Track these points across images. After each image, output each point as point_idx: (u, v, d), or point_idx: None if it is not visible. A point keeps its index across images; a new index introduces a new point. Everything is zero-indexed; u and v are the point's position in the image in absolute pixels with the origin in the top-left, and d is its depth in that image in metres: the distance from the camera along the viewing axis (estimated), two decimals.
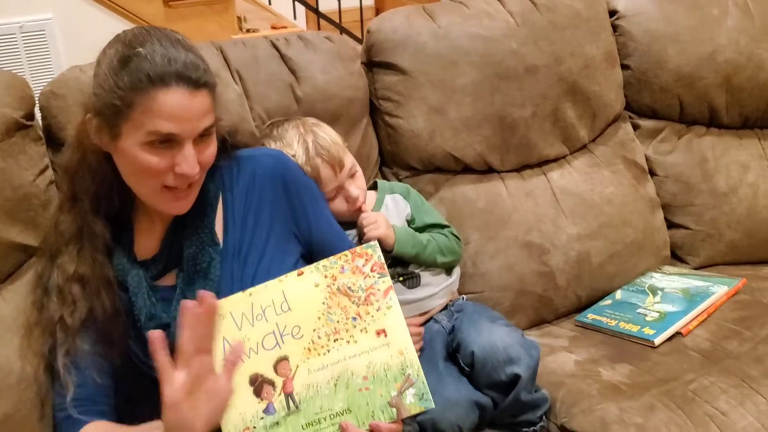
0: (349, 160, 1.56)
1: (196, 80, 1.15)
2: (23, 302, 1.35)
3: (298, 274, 1.21)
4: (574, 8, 1.88)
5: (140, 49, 1.14)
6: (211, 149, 1.23)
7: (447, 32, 1.76)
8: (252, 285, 1.25)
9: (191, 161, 1.17)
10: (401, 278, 1.58)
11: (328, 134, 1.54)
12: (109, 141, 1.19)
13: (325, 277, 1.21)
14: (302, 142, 1.50)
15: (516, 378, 1.42)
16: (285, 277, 1.21)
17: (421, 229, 1.61)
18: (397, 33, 1.74)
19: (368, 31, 1.78)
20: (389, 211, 1.62)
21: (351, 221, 1.56)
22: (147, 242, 1.29)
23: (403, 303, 1.54)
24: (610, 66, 1.93)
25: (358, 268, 1.21)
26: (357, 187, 1.56)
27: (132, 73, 1.13)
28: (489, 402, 1.43)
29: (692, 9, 1.97)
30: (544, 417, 1.48)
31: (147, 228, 1.30)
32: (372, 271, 1.21)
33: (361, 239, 1.53)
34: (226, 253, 1.29)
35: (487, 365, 1.44)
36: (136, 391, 1.24)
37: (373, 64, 1.77)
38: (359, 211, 1.57)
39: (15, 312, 1.35)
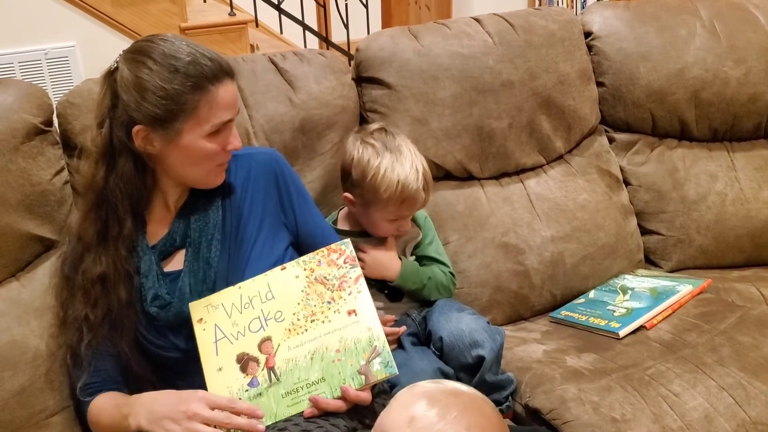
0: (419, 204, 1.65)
1: (230, 70, 1.36)
2: (39, 289, 1.51)
3: (282, 269, 1.40)
4: (550, 29, 2.02)
5: (184, 57, 1.31)
6: None
7: (429, 50, 1.90)
8: (246, 265, 1.43)
9: (239, 137, 1.39)
10: (386, 291, 1.69)
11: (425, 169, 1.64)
12: (163, 144, 1.34)
13: (305, 270, 1.38)
14: (414, 168, 1.61)
15: (481, 360, 1.53)
16: (270, 272, 1.39)
17: (420, 259, 1.72)
18: (384, 51, 1.89)
19: (357, 50, 1.93)
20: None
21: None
22: (158, 229, 1.45)
23: (383, 310, 1.67)
24: (584, 82, 2.06)
25: (332, 261, 1.39)
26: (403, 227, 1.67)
27: (190, 78, 1.30)
28: (452, 371, 1.54)
29: (662, 30, 2.11)
30: (510, 397, 1.59)
31: (159, 218, 1.46)
32: (345, 263, 1.38)
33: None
34: (224, 235, 1.44)
35: (454, 349, 1.55)
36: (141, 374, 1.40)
37: (361, 79, 1.91)
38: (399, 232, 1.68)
39: (32, 297, 1.51)
